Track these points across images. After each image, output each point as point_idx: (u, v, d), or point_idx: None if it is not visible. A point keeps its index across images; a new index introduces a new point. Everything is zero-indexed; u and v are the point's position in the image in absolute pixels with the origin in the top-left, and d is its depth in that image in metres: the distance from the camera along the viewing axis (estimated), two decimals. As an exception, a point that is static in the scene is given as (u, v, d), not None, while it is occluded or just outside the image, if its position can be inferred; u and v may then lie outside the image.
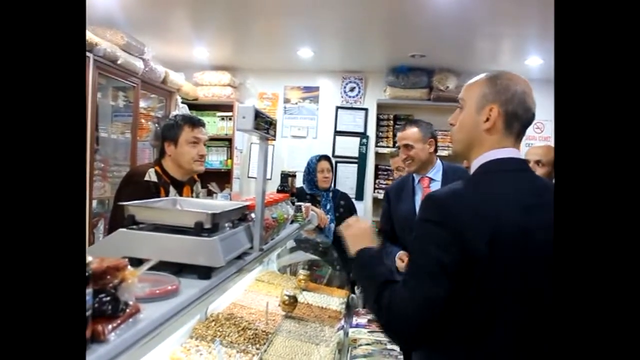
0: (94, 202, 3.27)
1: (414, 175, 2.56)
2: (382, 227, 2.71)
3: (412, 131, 2.53)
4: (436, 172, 2.52)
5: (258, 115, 1.34)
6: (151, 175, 2.18)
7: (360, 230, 1.39)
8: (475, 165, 1.25)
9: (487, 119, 1.21)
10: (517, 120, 1.21)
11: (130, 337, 0.78)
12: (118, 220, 1.98)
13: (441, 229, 1.10)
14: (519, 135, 1.24)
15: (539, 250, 1.09)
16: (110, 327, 0.75)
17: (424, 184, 2.52)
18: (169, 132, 2.26)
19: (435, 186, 2.48)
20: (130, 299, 0.81)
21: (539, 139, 4.75)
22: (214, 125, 4.98)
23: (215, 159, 5.01)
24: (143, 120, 4.03)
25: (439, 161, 2.57)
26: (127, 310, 0.81)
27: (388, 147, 4.84)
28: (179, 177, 2.28)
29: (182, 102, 4.64)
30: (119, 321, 0.77)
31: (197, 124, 2.32)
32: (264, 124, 1.42)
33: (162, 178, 2.22)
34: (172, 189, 2.23)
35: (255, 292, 2.52)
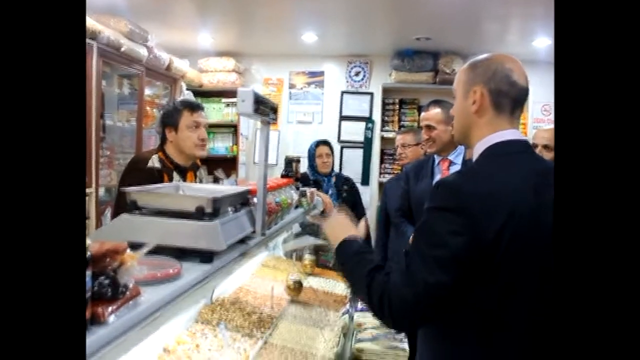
0: (101, 190, 3.29)
1: (435, 156, 2.54)
2: (400, 207, 2.74)
3: (435, 112, 2.49)
4: (457, 155, 2.49)
5: (258, 99, 1.34)
6: (154, 162, 2.20)
7: (339, 222, 1.40)
8: (477, 150, 1.24)
9: (474, 102, 1.22)
10: (505, 97, 1.21)
11: (130, 319, 0.79)
12: (122, 206, 2.00)
13: (455, 215, 1.09)
14: (513, 113, 1.22)
15: (550, 231, 1.09)
16: (110, 309, 0.76)
17: (444, 167, 2.50)
18: (168, 118, 2.27)
19: (455, 169, 2.47)
20: (130, 282, 0.82)
21: (547, 121, 4.70)
22: (219, 111, 4.98)
23: (221, 145, 5.02)
24: (148, 108, 4.03)
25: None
26: (127, 293, 0.82)
27: (394, 131, 4.81)
28: (181, 162, 2.29)
29: (187, 89, 4.64)
30: (118, 304, 0.79)
31: (196, 108, 2.31)
32: (265, 108, 1.42)
33: (166, 164, 2.23)
34: (175, 175, 2.24)
35: (260, 277, 2.54)
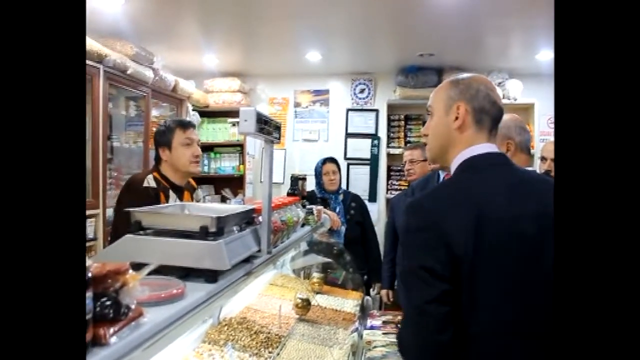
0: (109, 211, 3.30)
1: (439, 171, 2.55)
2: None
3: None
4: None
5: (261, 118, 1.34)
6: (150, 182, 2.21)
7: None
8: (453, 166, 1.26)
9: (457, 117, 1.24)
10: (486, 115, 1.24)
11: (133, 340, 0.78)
12: (119, 227, 2.02)
13: (425, 234, 1.11)
14: (491, 131, 1.25)
15: (526, 242, 1.10)
16: (111, 330, 0.75)
17: None
18: (161, 138, 2.30)
19: None
20: (132, 303, 0.81)
21: (553, 133, 4.68)
22: (225, 131, 5.02)
23: (228, 165, 5.04)
24: (154, 129, 4.06)
25: None
26: (130, 313, 0.81)
27: (400, 147, 4.82)
28: (177, 181, 2.32)
29: (193, 110, 4.68)
30: (120, 325, 0.78)
31: (187, 125, 2.34)
32: (268, 127, 1.42)
33: (161, 183, 2.25)
34: (172, 194, 2.26)
35: (268, 295, 2.52)
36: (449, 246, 1.07)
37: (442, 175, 2.53)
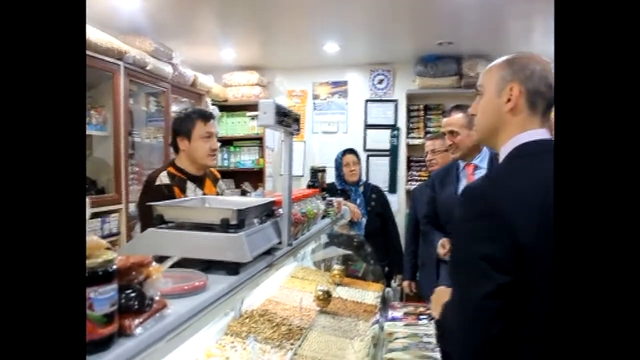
0: (131, 206, 3.35)
1: (460, 161, 2.51)
2: (427, 214, 2.72)
3: (457, 117, 2.45)
4: (482, 159, 2.45)
5: (280, 110, 1.35)
6: (162, 179, 2.24)
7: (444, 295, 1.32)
8: (504, 151, 1.20)
9: (509, 99, 1.18)
10: (541, 98, 1.17)
11: (157, 331, 0.80)
12: (146, 222, 2.06)
13: (486, 222, 1.06)
14: (544, 115, 1.19)
15: None
16: (136, 321, 0.76)
17: (469, 171, 2.47)
18: (181, 127, 2.28)
19: (480, 174, 2.43)
20: (156, 295, 0.82)
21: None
22: (244, 125, 5.04)
23: (247, 158, 5.07)
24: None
25: (485, 148, 2.49)
26: (154, 305, 0.82)
27: (419, 138, 4.78)
28: (194, 172, 2.33)
29: (212, 104, 4.71)
30: (145, 316, 0.79)
31: (209, 117, 2.33)
32: (287, 119, 1.42)
33: (177, 176, 2.27)
34: (190, 184, 2.29)
35: (289, 288, 2.54)
36: (513, 234, 1.02)
37: (461, 165, 2.50)
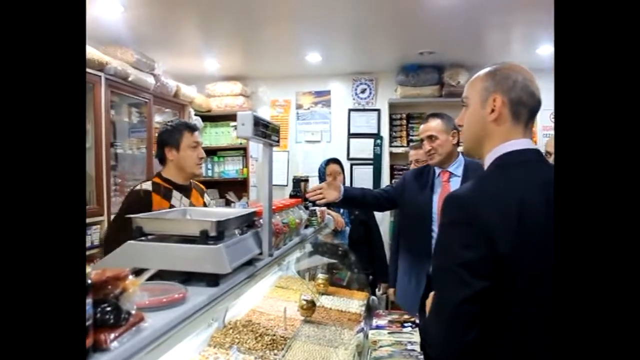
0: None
1: (435, 168, 2.54)
2: (387, 189, 2.81)
3: (436, 122, 2.49)
4: (457, 167, 2.49)
5: (258, 121, 1.35)
6: (142, 186, 2.29)
7: None
8: (489, 159, 1.23)
9: (493, 110, 1.20)
10: (524, 107, 1.20)
11: (133, 345, 0.79)
12: (115, 231, 2.11)
13: (466, 228, 1.08)
14: (527, 124, 1.22)
15: None
16: (112, 335, 0.76)
17: (444, 178, 2.50)
18: (169, 138, 2.34)
19: (455, 181, 2.46)
20: (132, 308, 0.82)
21: (557, 129, 4.66)
22: (228, 135, 5.03)
23: (232, 168, 5.06)
24: (157, 134, 4.09)
25: (461, 156, 2.52)
26: (130, 319, 0.82)
27: (402, 146, 4.83)
28: (180, 181, 2.37)
29: (196, 114, 4.70)
30: (121, 330, 0.79)
31: (194, 128, 2.42)
32: (266, 130, 1.43)
33: (161, 186, 2.30)
34: (176, 193, 2.31)
35: (273, 298, 2.53)
36: (491, 242, 1.04)
37: (437, 171, 2.53)
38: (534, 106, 1.22)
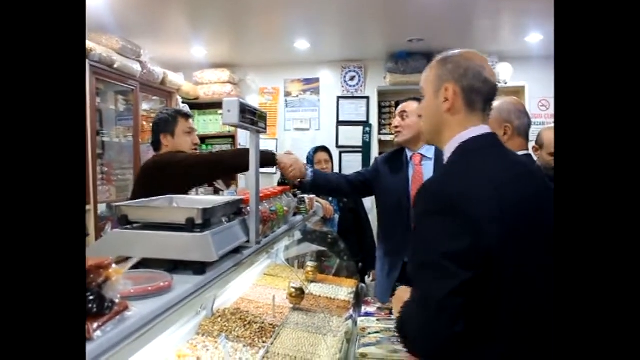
0: (101, 206, 3.30)
1: (407, 150, 2.55)
2: (360, 173, 2.80)
3: (412, 103, 2.53)
4: (428, 149, 2.50)
5: (245, 108, 1.34)
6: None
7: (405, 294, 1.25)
8: (449, 149, 1.21)
9: (446, 99, 1.19)
10: (477, 94, 1.18)
11: (117, 334, 0.78)
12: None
13: (448, 219, 1.03)
14: (484, 110, 1.21)
15: (540, 220, 1.07)
16: (95, 325, 0.75)
17: (416, 161, 2.51)
18: (165, 126, 2.42)
19: (428, 164, 2.48)
20: (116, 297, 0.81)
21: (545, 116, 4.68)
22: (216, 123, 5.00)
23: (220, 156, 5.02)
24: (144, 123, 4.05)
25: None
26: (114, 308, 0.81)
27: (391, 134, 4.79)
28: None
29: (183, 102, 4.65)
30: (104, 319, 0.78)
31: (188, 115, 2.52)
32: (253, 117, 1.42)
33: None
34: None
35: (262, 285, 2.53)
36: (476, 231, 1.00)
37: (409, 154, 2.54)
38: (489, 92, 1.20)
